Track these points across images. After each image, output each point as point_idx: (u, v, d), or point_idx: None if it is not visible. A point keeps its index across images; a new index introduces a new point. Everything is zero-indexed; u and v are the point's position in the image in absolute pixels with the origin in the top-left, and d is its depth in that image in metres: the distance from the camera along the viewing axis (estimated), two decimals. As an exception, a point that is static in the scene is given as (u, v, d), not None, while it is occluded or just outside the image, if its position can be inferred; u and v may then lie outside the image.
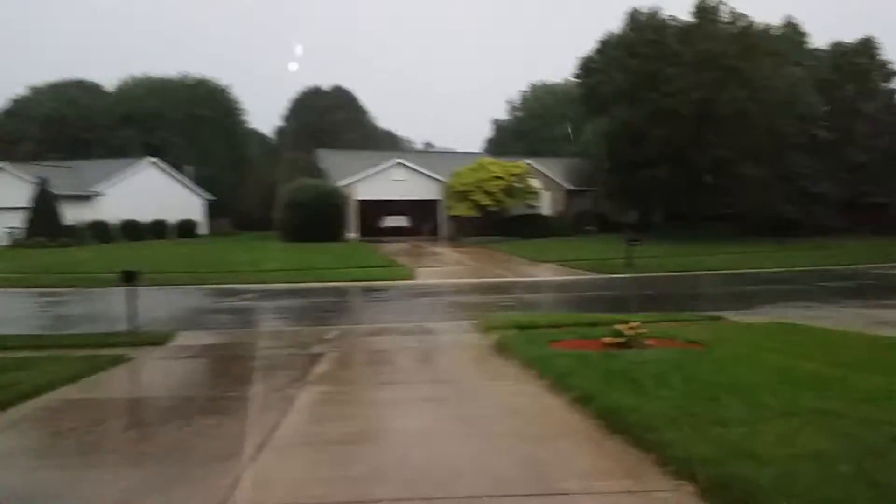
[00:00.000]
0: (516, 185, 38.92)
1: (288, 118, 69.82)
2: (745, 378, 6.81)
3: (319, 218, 35.97)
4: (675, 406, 5.66)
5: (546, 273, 22.43)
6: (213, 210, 51.45)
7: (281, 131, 70.34)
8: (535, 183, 40.95)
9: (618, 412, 5.63)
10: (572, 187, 44.17)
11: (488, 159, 41.45)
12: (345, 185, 39.58)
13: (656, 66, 34.17)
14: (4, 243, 36.59)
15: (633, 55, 35.69)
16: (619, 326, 8.71)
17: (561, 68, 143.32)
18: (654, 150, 33.91)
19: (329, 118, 65.08)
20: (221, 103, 61.83)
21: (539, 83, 67.92)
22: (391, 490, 4.45)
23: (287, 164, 46.80)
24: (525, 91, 68.81)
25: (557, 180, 44.17)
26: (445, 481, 4.61)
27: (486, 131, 73.29)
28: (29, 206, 36.29)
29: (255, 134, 69.78)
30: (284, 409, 6.40)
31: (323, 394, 7.16)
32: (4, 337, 10.44)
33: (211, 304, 16.43)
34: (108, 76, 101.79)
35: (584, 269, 22.07)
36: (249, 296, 17.24)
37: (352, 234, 39.64)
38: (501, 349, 9.10)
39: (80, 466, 5.12)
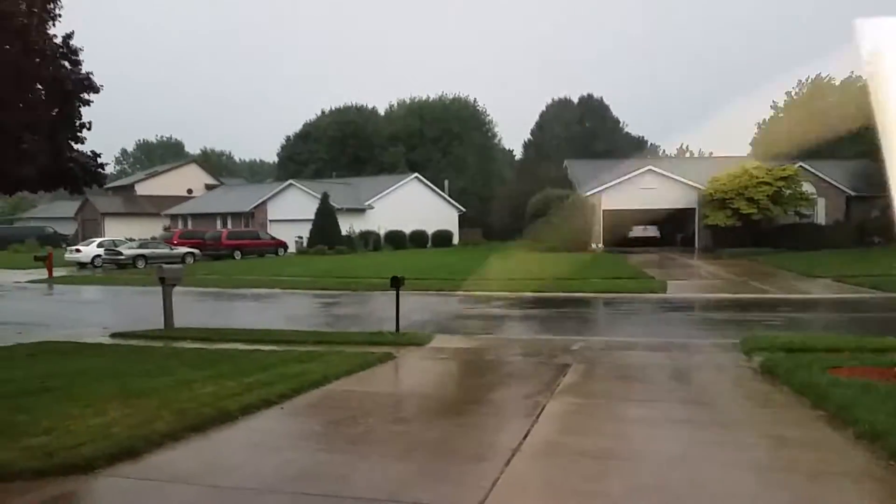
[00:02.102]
0: (785, 190, 35.29)
1: (536, 130, 71.19)
2: None
3: (565, 228, 36.04)
4: None
5: (819, 290, 19.96)
6: (464, 221, 54.24)
7: (529, 144, 71.99)
8: (807, 188, 36.79)
9: (919, 456, 4.80)
10: (854, 193, 38.82)
11: (752, 163, 37.99)
12: (591, 195, 39.19)
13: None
14: (292, 250, 42.18)
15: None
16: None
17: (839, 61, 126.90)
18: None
19: (577, 128, 65.16)
20: (473, 119, 65.31)
21: (816, 77, 60.91)
22: (645, 511, 4.27)
23: (534, 175, 47.71)
24: (794, 89, 62.22)
25: (836, 184, 39.19)
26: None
27: (748, 134, 67.40)
28: (313, 218, 41.46)
29: (504, 147, 72.49)
30: (535, 416, 6.49)
31: (572, 405, 7.13)
32: (294, 332, 12.04)
33: (463, 309, 17.29)
34: (381, 99, 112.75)
35: (866, 287, 19.26)
36: (498, 303, 17.83)
37: (598, 245, 39.11)
38: (767, 373, 8.28)
39: (356, 453, 5.68)
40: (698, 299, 18.43)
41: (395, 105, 68.12)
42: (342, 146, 61.84)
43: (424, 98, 66.61)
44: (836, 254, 30.24)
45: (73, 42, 13.53)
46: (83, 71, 13.64)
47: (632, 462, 5.35)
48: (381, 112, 68.11)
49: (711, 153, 64.13)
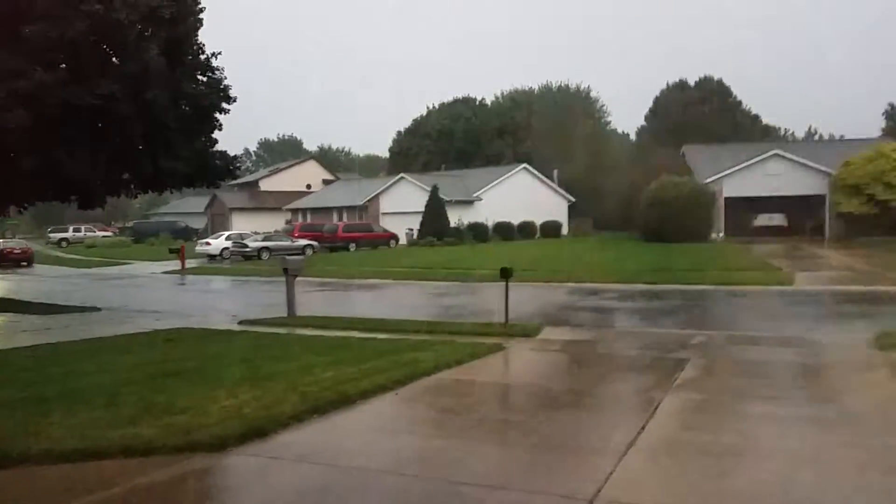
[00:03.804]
0: (929, 175, 32.27)
1: (650, 115, 68.72)
2: None
3: (682, 217, 34.64)
4: None
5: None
6: (574, 211, 53.31)
7: (643, 130, 69.61)
8: (955, 172, 33.45)
9: None
10: None
11: (890, 145, 35.00)
12: (711, 182, 37.42)
13: None
14: (403, 242, 43.13)
15: None
16: None
17: None
18: None
19: (695, 112, 62.26)
20: (583, 107, 63.99)
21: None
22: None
23: (648, 162, 46.10)
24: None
25: None
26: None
27: (879, 117, 62.05)
28: (423, 210, 42.18)
29: (616, 134, 70.51)
30: (650, 411, 6.34)
31: (690, 401, 6.89)
32: (407, 322, 12.34)
33: (573, 301, 17.06)
34: (489, 89, 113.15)
35: None
36: (609, 295, 17.46)
37: (718, 234, 37.33)
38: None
39: (468, 440, 5.78)
40: (829, 292, 17.22)
41: (503, 96, 67.94)
42: (450, 139, 62.42)
43: (532, 87, 66.16)
44: None
45: (214, 61, 15.69)
46: (222, 84, 15.74)
47: (754, 461, 5.11)
48: (489, 103, 68.16)
49: (843, 136, 59.68)
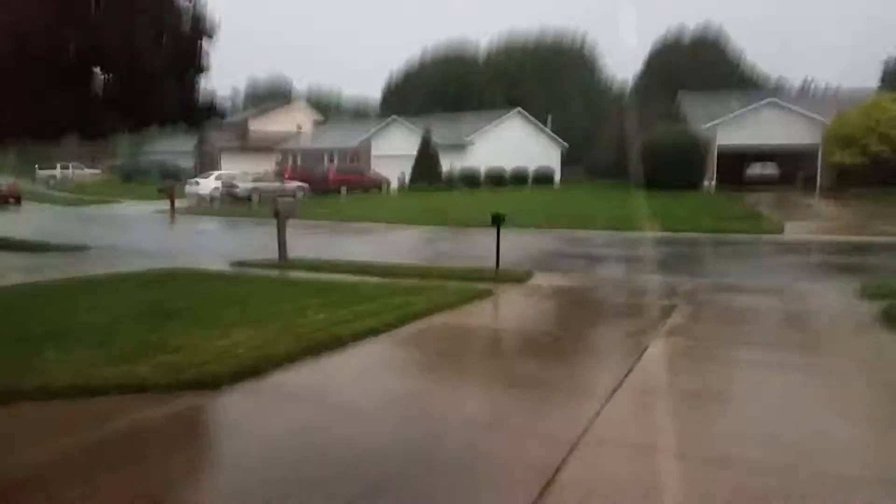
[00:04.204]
0: (924, 127, 32.18)
1: (648, 61, 67.69)
2: None
3: (676, 165, 34.54)
4: None
5: (957, 234, 18.34)
6: (568, 158, 53.01)
7: (640, 75, 68.69)
8: (950, 124, 33.37)
9: None
10: None
11: (887, 96, 34.78)
12: (705, 130, 37.22)
13: None
14: (395, 187, 42.90)
15: None
16: None
17: None
18: None
19: (693, 59, 61.38)
20: (579, 52, 63.03)
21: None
22: (750, 452, 4.21)
23: (643, 109, 45.68)
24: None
25: (985, 120, 35.34)
26: (812, 454, 4.21)
27: (877, 68, 61.31)
28: (415, 154, 41.81)
29: (612, 80, 69.60)
30: (637, 355, 6.45)
31: (676, 346, 7.03)
32: (398, 266, 12.40)
33: (564, 248, 17.14)
34: (485, 31, 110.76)
35: None
36: (601, 242, 17.55)
37: (711, 183, 37.32)
38: (889, 320, 7.80)
39: (458, 382, 5.91)
40: (817, 241, 17.39)
41: (498, 39, 66.68)
42: (444, 84, 61.40)
43: (527, 33, 64.91)
44: (982, 196, 27.50)
45: None
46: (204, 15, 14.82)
47: (740, 406, 5.26)
48: (483, 46, 66.91)
49: (838, 87, 59.14)
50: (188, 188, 37.36)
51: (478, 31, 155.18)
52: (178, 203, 30.93)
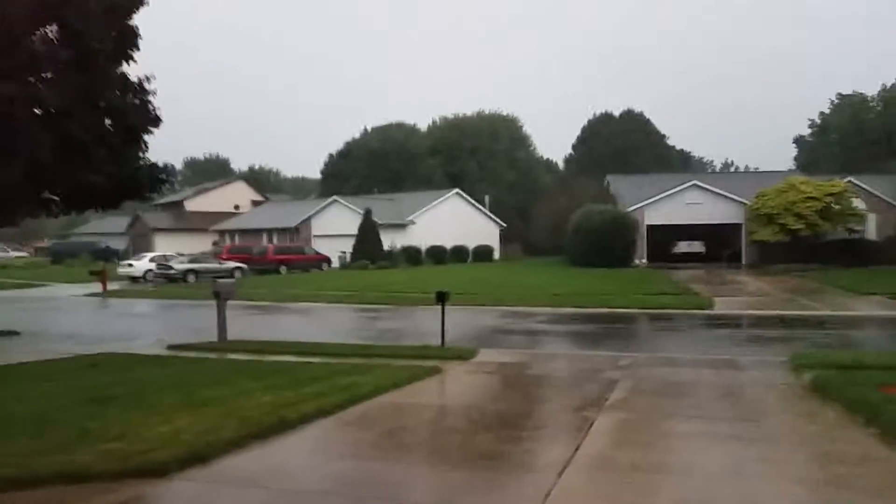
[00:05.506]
0: (833, 206, 34.57)
1: (577, 145, 71.05)
2: None
3: (607, 243, 35.81)
4: None
5: (870, 307, 19.50)
6: (505, 236, 54.29)
7: (570, 159, 71.87)
8: (857, 204, 35.98)
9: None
10: (907, 208, 37.81)
11: (799, 178, 37.33)
12: (634, 210, 38.93)
13: None
14: (336, 265, 42.82)
15: None
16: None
17: (865, 80, 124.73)
18: None
19: (619, 143, 64.87)
20: (513, 133, 65.99)
21: (853, 93, 59.65)
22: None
23: (575, 190, 47.58)
24: (835, 102, 61.02)
25: (888, 200, 38.24)
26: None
27: (791, 149, 66.21)
28: (356, 233, 42.05)
29: (545, 162, 72.59)
30: (584, 430, 6.60)
31: (621, 420, 7.21)
32: (343, 345, 12.34)
33: (506, 324, 17.38)
34: (422, 118, 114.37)
35: (922, 305, 18.77)
36: (541, 319, 17.89)
37: (641, 261, 38.75)
38: (817, 390, 8.23)
39: (409, 462, 5.90)
40: (745, 316, 18.21)
41: (436, 121, 69.08)
42: (383, 161, 62.65)
43: (464, 114, 67.59)
44: (889, 270, 29.42)
45: (149, 85, 14.98)
46: (151, 108, 15.05)
47: (683, 476, 5.43)
48: (423, 129, 69.02)
49: (757, 168, 63.30)
50: (121, 269, 36.35)
51: (415, 114, 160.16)
52: (111, 285, 30.01)
